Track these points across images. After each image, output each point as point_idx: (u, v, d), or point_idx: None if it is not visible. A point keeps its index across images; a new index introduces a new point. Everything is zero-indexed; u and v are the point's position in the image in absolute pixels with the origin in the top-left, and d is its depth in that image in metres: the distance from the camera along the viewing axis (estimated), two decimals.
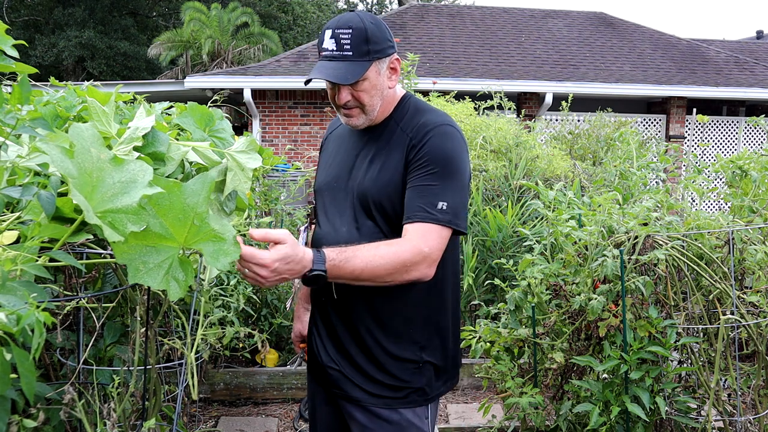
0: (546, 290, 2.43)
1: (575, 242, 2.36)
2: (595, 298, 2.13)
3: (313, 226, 1.89)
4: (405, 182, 1.59)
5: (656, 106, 11.34)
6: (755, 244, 2.37)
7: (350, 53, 1.56)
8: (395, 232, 1.60)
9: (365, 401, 1.67)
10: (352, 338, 1.68)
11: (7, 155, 1.28)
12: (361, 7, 30.93)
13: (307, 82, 1.64)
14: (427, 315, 1.67)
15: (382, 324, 1.65)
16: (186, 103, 2.00)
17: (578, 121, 7.36)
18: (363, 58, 1.56)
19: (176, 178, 1.52)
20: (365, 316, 1.66)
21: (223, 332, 2.93)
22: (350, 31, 1.56)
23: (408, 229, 1.53)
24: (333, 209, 1.72)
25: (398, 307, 1.65)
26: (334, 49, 1.56)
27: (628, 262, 2.18)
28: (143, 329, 1.77)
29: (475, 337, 2.60)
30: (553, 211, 2.49)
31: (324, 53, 1.59)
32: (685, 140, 10.76)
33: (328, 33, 1.58)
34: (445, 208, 1.52)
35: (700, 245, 2.30)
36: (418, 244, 1.49)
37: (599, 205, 2.42)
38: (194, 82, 9.86)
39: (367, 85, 1.59)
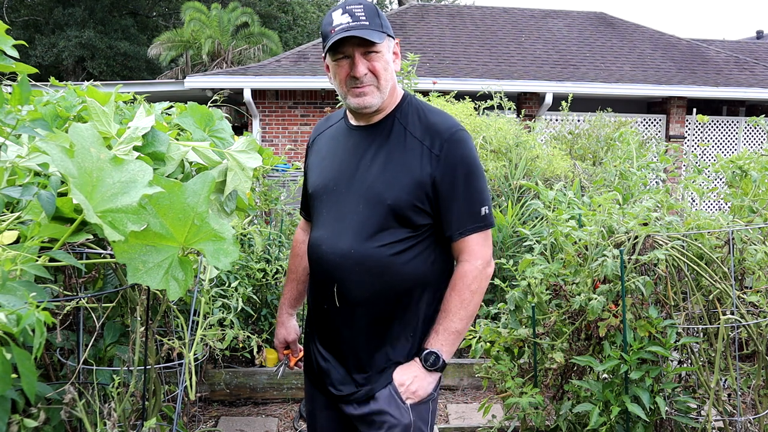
0: (546, 290, 2.43)
1: (575, 242, 2.36)
2: (595, 298, 2.13)
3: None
4: (427, 190, 1.58)
5: (656, 106, 11.34)
6: (755, 244, 2.37)
7: (366, 23, 1.57)
8: (403, 233, 1.59)
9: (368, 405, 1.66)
10: (353, 344, 1.67)
11: (7, 155, 1.28)
12: None
13: (329, 50, 1.58)
14: (425, 317, 1.66)
15: (384, 330, 1.64)
16: (186, 103, 2.01)
17: (578, 121, 7.36)
18: (378, 29, 1.58)
19: (176, 178, 1.52)
20: (367, 322, 1.64)
21: (223, 334, 2.93)
22: (362, 5, 1.59)
23: (464, 245, 1.63)
24: (332, 212, 1.67)
25: (400, 313, 1.64)
26: (350, 21, 1.56)
27: (628, 262, 2.18)
28: (143, 329, 1.76)
29: (475, 337, 2.60)
30: (553, 211, 2.49)
31: (338, 27, 1.56)
32: (685, 140, 10.76)
33: (338, 11, 1.59)
34: (486, 212, 1.63)
35: (700, 245, 2.30)
36: (476, 264, 1.63)
37: (599, 205, 2.42)
38: (194, 82, 9.86)
39: (382, 58, 1.61)
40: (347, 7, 1.58)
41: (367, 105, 1.62)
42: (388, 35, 1.62)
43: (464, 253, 1.63)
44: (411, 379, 1.63)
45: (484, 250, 1.64)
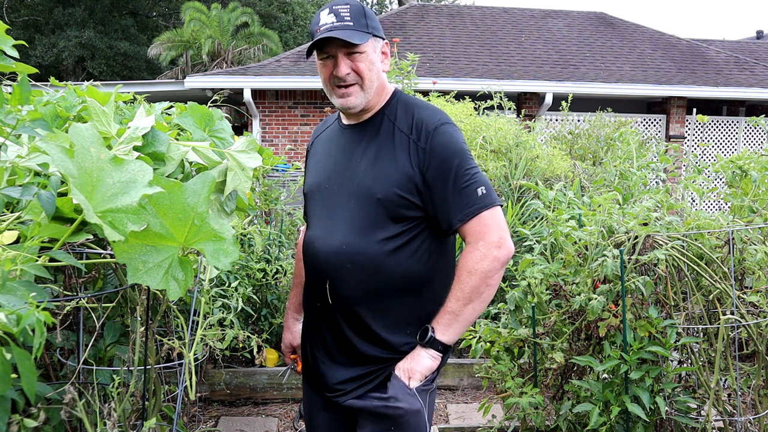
0: (546, 290, 2.43)
1: (575, 242, 2.36)
2: (595, 298, 2.13)
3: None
4: (416, 183, 1.58)
5: (656, 106, 11.34)
6: (755, 244, 2.37)
7: (351, 23, 1.58)
8: (395, 229, 1.58)
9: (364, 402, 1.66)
10: (348, 342, 1.66)
11: (7, 155, 1.28)
12: None
13: (310, 53, 1.63)
14: (427, 313, 1.65)
15: (379, 328, 1.63)
16: (186, 103, 2.01)
17: (578, 121, 7.36)
18: (363, 29, 1.60)
19: (176, 178, 1.52)
20: (362, 319, 1.63)
21: (223, 334, 2.93)
22: (348, 6, 1.60)
23: (467, 230, 1.58)
24: (325, 210, 1.68)
25: (395, 311, 1.63)
26: (335, 21, 1.58)
27: (628, 262, 2.18)
28: (143, 329, 1.76)
29: (475, 337, 2.60)
30: (553, 211, 2.49)
31: (323, 27, 1.59)
32: (685, 140, 10.76)
33: (326, 11, 1.61)
34: (484, 192, 1.58)
35: (700, 245, 2.30)
36: (477, 245, 1.56)
37: (599, 205, 2.42)
38: (194, 82, 9.85)
39: (366, 59, 1.61)
40: (333, 7, 1.60)
41: (350, 105, 1.64)
42: (375, 35, 1.63)
43: (467, 237, 1.59)
44: (407, 359, 1.62)
45: (488, 231, 1.56)
